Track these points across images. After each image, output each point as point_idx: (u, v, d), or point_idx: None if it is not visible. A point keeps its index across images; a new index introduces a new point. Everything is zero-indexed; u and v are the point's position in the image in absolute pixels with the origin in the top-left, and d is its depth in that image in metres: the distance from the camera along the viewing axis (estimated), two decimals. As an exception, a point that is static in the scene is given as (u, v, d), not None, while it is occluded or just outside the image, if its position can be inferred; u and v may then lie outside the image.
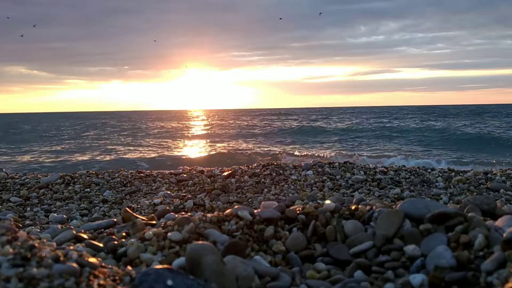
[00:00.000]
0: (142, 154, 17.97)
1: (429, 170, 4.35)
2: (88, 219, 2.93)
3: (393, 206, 1.43)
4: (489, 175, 4.14)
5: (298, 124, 35.28)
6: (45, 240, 1.23)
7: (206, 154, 17.72)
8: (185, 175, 4.22)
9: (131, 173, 4.43)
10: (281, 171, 4.18)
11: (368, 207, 1.46)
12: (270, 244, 1.34)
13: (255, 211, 1.43)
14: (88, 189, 3.85)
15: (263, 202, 1.62)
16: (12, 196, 3.63)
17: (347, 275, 1.21)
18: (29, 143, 23.22)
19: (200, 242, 1.17)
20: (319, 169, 4.23)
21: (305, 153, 16.75)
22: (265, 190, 3.69)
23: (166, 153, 18.26)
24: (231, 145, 21.02)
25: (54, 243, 1.33)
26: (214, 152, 17.98)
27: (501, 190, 3.61)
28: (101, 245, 1.35)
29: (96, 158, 16.82)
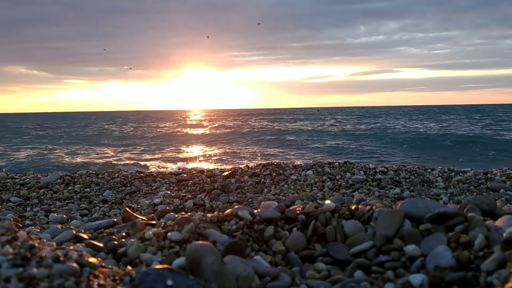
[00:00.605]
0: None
1: (429, 170, 4.35)
2: (88, 219, 2.94)
3: (393, 206, 1.43)
4: (489, 175, 4.14)
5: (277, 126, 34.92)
6: (45, 240, 1.23)
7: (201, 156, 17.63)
8: (185, 175, 4.22)
9: (131, 173, 4.43)
10: (281, 171, 4.18)
11: (368, 207, 1.46)
12: (270, 244, 1.34)
13: (255, 211, 1.43)
14: (88, 189, 3.85)
15: (263, 202, 1.62)
16: (12, 196, 3.63)
17: (347, 275, 1.21)
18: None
19: (200, 242, 1.17)
20: (319, 169, 4.23)
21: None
22: (265, 190, 3.69)
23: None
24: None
25: (54, 243, 1.33)
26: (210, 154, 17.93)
27: (501, 190, 3.62)
28: (101, 245, 1.35)
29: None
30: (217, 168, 4.53)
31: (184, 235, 1.26)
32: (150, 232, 1.30)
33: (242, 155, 16.66)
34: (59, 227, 2.13)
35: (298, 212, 1.45)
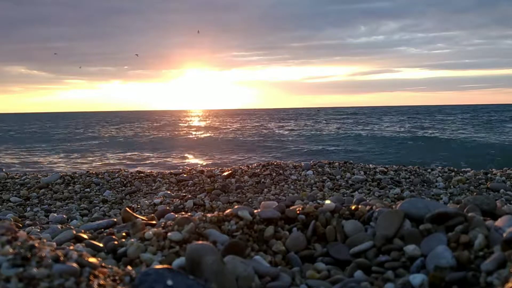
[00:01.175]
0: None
1: (429, 170, 4.35)
2: (88, 219, 2.94)
3: (393, 206, 1.43)
4: (489, 175, 4.14)
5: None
6: (45, 240, 1.23)
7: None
8: (185, 175, 4.22)
9: (131, 173, 4.43)
10: (281, 171, 4.18)
11: (368, 207, 1.46)
12: (270, 244, 1.34)
13: (255, 211, 1.43)
14: (88, 189, 3.85)
15: (263, 202, 1.62)
16: (12, 196, 3.63)
17: (347, 275, 1.21)
18: None
19: (200, 242, 1.17)
20: (319, 169, 4.23)
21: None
22: (265, 190, 3.69)
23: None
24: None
25: (54, 243, 1.33)
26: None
27: (501, 190, 3.62)
28: (101, 245, 1.35)
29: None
30: (217, 168, 4.53)
31: (184, 235, 1.26)
32: (150, 232, 1.30)
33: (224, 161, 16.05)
34: (59, 227, 2.13)
35: (298, 212, 1.45)
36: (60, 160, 16.78)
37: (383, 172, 4.20)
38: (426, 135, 22.77)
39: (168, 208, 2.96)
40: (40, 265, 0.87)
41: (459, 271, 1.06)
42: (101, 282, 0.89)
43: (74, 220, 2.84)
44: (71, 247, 1.24)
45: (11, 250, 0.89)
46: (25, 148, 21.26)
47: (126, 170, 4.57)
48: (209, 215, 1.40)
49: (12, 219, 2.66)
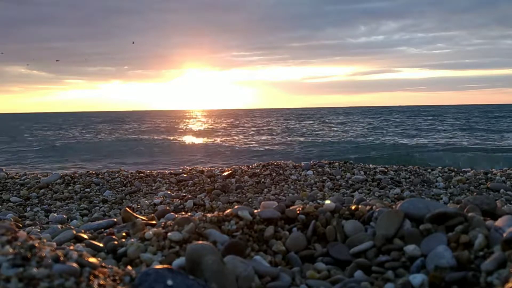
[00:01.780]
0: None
1: (429, 170, 4.35)
2: (88, 219, 2.94)
3: (393, 206, 1.43)
4: (489, 175, 4.14)
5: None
6: (45, 240, 1.23)
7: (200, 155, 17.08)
8: (185, 175, 4.22)
9: (131, 173, 4.43)
10: (281, 171, 4.18)
11: (368, 207, 1.45)
12: (270, 244, 1.34)
13: (255, 211, 1.43)
14: (88, 189, 3.85)
15: (263, 202, 1.62)
16: (12, 196, 3.63)
17: (347, 275, 1.21)
18: None
19: (200, 242, 1.17)
20: (319, 169, 4.23)
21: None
22: (265, 190, 3.69)
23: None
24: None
25: (54, 243, 1.33)
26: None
27: (501, 190, 3.62)
28: (101, 245, 1.35)
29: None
30: (217, 168, 4.53)
31: (184, 235, 1.26)
32: (150, 232, 1.30)
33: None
34: (59, 227, 2.13)
35: (298, 212, 1.45)
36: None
37: (383, 172, 4.20)
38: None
39: (168, 208, 2.96)
40: (40, 265, 0.87)
41: (459, 271, 1.06)
42: (101, 282, 0.89)
43: (74, 220, 2.84)
44: (71, 247, 1.24)
45: (11, 250, 0.89)
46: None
47: (126, 170, 4.57)
48: (209, 215, 1.40)
49: (12, 219, 2.66)
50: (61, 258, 0.92)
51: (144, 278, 0.93)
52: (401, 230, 1.28)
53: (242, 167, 4.45)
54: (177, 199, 3.37)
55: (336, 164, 4.45)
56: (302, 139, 22.97)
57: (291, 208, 1.47)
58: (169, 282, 0.91)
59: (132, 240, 1.30)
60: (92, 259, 0.98)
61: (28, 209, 3.32)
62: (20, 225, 2.48)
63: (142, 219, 1.69)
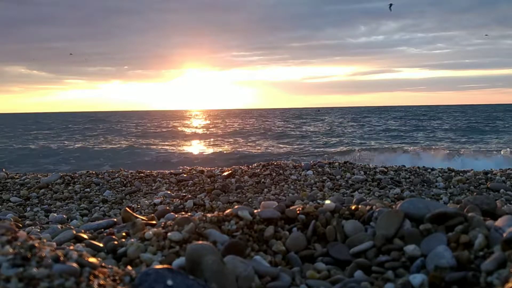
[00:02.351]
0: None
1: (429, 170, 4.35)
2: (88, 219, 2.94)
3: (393, 206, 1.43)
4: (489, 175, 4.14)
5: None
6: (45, 240, 1.23)
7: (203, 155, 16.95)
8: (185, 175, 4.22)
9: (131, 173, 4.43)
10: (281, 171, 4.18)
11: (368, 207, 1.45)
12: (270, 244, 1.34)
13: (255, 211, 1.43)
14: (88, 189, 3.85)
15: (263, 202, 1.62)
16: (12, 196, 3.63)
17: (347, 275, 1.21)
18: None
19: (200, 242, 1.17)
20: (319, 169, 4.23)
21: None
22: (265, 190, 3.69)
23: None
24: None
25: (54, 243, 1.33)
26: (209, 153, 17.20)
27: (501, 190, 3.62)
28: (101, 245, 1.35)
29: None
30: (217, 168, 4.53)
31: (184, 235, 1.25)
32: (150, 232, 1.30)
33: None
34: (59, 227, 2.13)
35: (298, 212, 1.45)
36: None
37: (383, 172, 4.20)
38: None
39: (168, 208, 2.95)
40: (40, 265, 0.87)
41: (459, 271, 1.06)
42: (101, 282, 0.89)
43: (74, 220, 2.84)
44: (71, 247, 1.24)
45: (11, 250, 0.89)
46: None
47: (126, 170, 4.57)
48: (209, 215, 1.40)
49: (12, 219, 2.66)
50: (61, 258, 0.92)
51: (144, 278, 0.93)
52: (401, 230, 1.28)
53: (242, 167, 4.45)
54: (177, 199, 3.37)
55: (336, 164, 4.45)
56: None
57: (291, 208, 1.47)
58: (169, 282, 0.91)
59: (132, 240, 1.30)
60: (92, 259, 0.98)
61: (28, 209, 3.32)
62: (20, 225, 2.47)
63: (142, 219, 1.69)
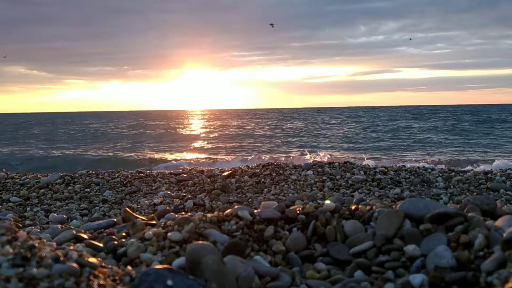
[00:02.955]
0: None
1: (429, 170, 4.35)
2: (88, 219, 2.93)
3: (393, 206, 1.43)
4: (489, 175, 4.14)
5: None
6: (45, 240, 1.23)
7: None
8: (185, 175, 4.22)
9: (131, 173, 4.43)
10: (281, 171, 4.18)
11: (368, 207, 1.45)
12: (270, 244, 1.34)
13: (255, 211, 1.43)
14: (88, 189, 3.85)
15: (263, 202, 1.62)
16: (12, 196, 3.63)
17: (347, 275, 1.21)
18: None
19: (200, 242, 1.17)
20: (319, 169, 4.23)
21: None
22: (265, 190, 3.69)
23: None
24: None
25: (54, 243, 1.33)
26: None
27: (501, 190, 3.62)
28: (101, 245, 1.35)
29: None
30: (217, 168, 4.53)
31: (184, 235, 1.25)
32: (150, 232, 1.30)
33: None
34: (59, 227, 2.13)
35: (298, 212, 1.45)
36: None
37: (383, 172, 4.21)
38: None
39: (168, 208, 2.95)
40: (40, 265, 0.87)
41: (459, 271, 1.06)
42: (101, 282, 0.89)
43: (74, 220, 2.84)
44: (71, 247, 1.24)
45: (11, 250, 0.89)
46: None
47: (126, 170, 4.57)
48: (209, 215, 1.40)
49: (12, 219, 2.66)
50: (61, 258, 0.92)
51: (144, 278, 0.93)
52: (401, 230, 1.28)
53: (242, 167, 4.45)
54: (177, 199, 3.37)
55: (336, 164, 4.45)
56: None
57: (291, 208, 1.47)
58: (169, 282, 0.91)
59: (132, 240, 1.30)
60: (92, 259, 0.98)
61: (28, 209, 3.32)
62: (20, 225, 2.47)
63: (142, 219, 1.69)
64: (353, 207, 1.46)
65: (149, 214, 2.15)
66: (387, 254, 1.23)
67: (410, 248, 1.19)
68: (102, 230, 1.71)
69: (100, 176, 4.21)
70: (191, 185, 3.91)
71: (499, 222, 1.20)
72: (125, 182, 4.05)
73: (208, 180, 3.99)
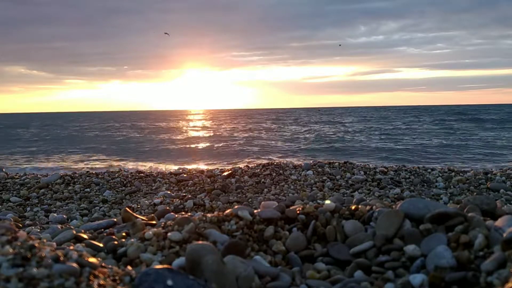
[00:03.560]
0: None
1: (429, 170, 4.35)
2: (88, 219, 2.94)
3: (393, 206, 1.43)
4: (489, 175, 4.14)
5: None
6: (45, 240, 1.23)
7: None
8: (185, 175, 4.22)
9: (131, 173, 4.43)
10: (281, 171, 4.18)
11: (368, 207, 1.45)
12: (270, 244, 1.34)
13: (255, 211, 1.43)
14: (88, 189, 3.85)
15: (263, 202, 1.62)
16: (12, 196, 3.63)
17: (347, 275, 1.21)
18: None
19: (200, 242, 1.17)
20: (319, 169, 4.23)
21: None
22: (265, 190, 3.69)
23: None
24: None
25: (54, 243, 1.33)
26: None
27: (501, 190, 3.62)
28: (101, 245, 1.35)
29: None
30: (217, 168, 4.53)
31: (184, 235, 1.25)
32: (150, 232, 1.30)
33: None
34: (59, 227, 2.13)
35: (298, 212, 1.45)
36: None
37: (383, 172, 4.21)
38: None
39: (168, 208, 2.96)
40: (40, 265, 0.87)
41: (459, 271, 1.06)
42: (101, 282, 0.89)
43: (74, 220, 2.84)
44: (71, 247, 1.24)
45: (11, 250, 0.89)
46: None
47: (126, 170, 4.57)
48: (209, 215, 1.40)
49: (12, 219, 2.66)
50: (61, 258, 0.92)
51: (144, 278, 0.93)
52: (401, 230, 1.28)
53: (242, 167, 4.45)
54: (177, 199, 3.37)
55: (336, 164, 4.45)
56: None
57: (291, 208, 1.47)
58: (169, 282, 0.91)
59: (132, 240, 1.30)
60: (92, 259, 0.98)
61: (28, 209, 3.32)
62: (20, 225, 2.48)
63: (142, 219, 1.69)
64: (353, 207, 1.46)
65: (149, 214, 2.15)
66: (387, 254, 1.23)
67: (410, 248, 1.19)
68: (102, 230, 1.71)
69: (100, 176, 4.21)
70: (191, 185, 3.91)
71: (499, 222, 1.20)
72: (125, 182, 4.05)
73: (208, 180, 3.99)
